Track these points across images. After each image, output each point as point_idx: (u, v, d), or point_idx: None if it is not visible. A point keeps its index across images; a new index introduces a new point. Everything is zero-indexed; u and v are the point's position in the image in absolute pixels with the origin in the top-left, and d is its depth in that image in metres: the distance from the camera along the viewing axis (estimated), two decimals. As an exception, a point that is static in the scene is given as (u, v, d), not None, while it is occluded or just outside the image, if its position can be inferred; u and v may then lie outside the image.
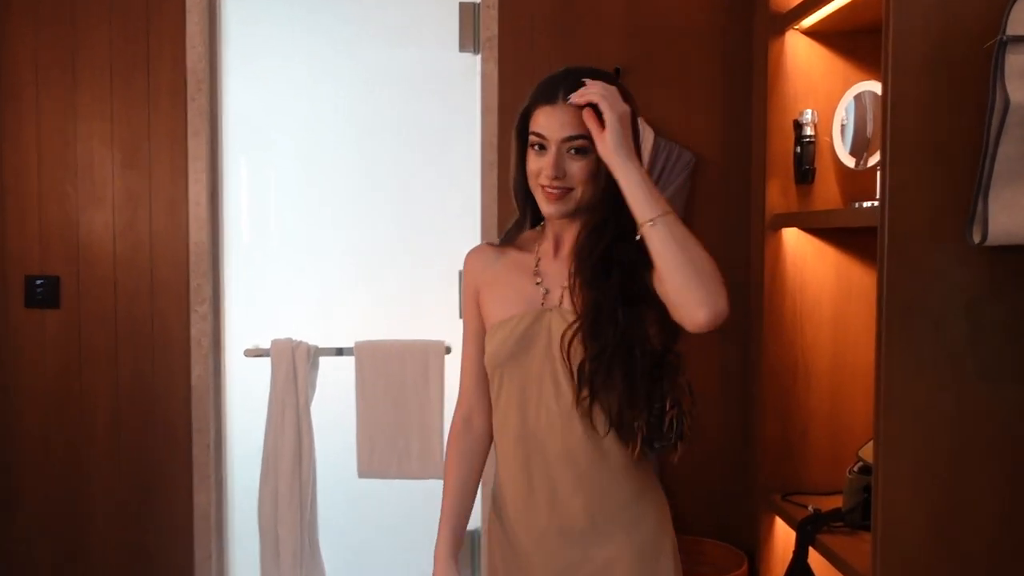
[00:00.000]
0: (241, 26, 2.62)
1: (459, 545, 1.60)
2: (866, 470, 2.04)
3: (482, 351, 1.54)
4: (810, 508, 2.12)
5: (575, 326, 1.41)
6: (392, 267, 2.68)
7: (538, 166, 1.42)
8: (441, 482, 2.53)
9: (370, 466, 2.53)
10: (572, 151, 1.40)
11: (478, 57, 2.52)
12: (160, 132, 2.50)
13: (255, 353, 2.57)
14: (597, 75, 1.43)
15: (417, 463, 2.53)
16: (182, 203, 2.50)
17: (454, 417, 1.63)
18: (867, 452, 2.07)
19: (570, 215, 1.45)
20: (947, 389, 1.61)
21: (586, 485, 1.44)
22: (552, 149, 1.41)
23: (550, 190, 1.41)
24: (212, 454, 2.51)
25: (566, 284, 1.45)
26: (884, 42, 1.60)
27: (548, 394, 1.45)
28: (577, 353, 1.41)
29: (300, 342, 2.54)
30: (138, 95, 2.49)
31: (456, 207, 2.64)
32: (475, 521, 2.64)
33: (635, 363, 1.38)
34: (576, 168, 1.40)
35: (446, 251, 2.63)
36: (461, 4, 2.54)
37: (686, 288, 1.29)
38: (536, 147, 1.42)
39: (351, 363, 2.55)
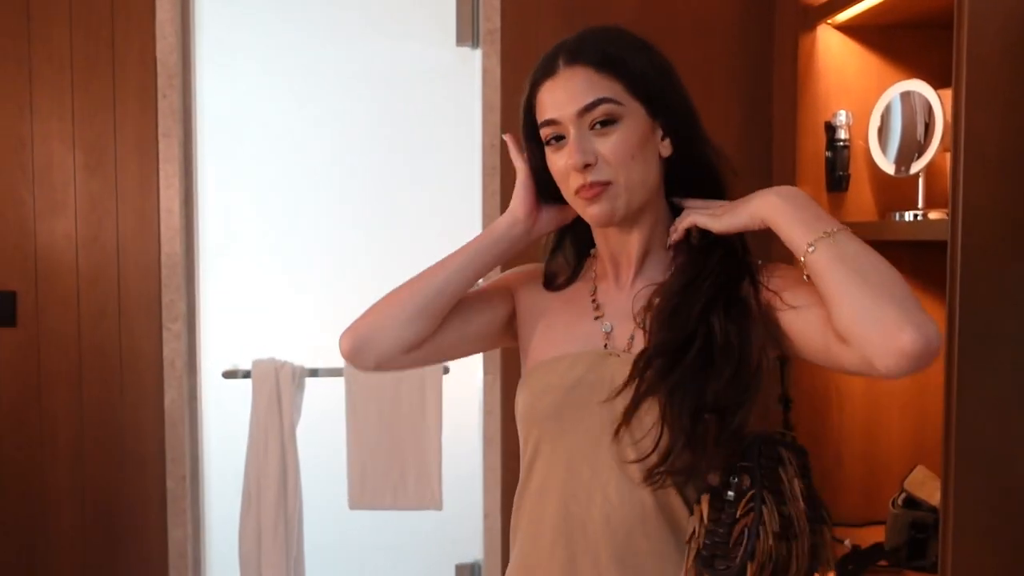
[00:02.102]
0: (216, 14, 2.39)
1: None
2: (911, 503, 1.89)
3: (477, 300, 1.21)
4: (847, 543, 1.96)
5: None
6: (385, 280, 2.45)
7: (563, 164, 1.08)
8: (439, 513, 2.36)
9: (362, 497, 2.32)
10: (596, 125, 1.07)
11: (478, 52, 2.32)
12: (127, 132, 2.26)
13: (235, 374, 2.35)
14: (611, 44, 1.10)
15: (414, 494, 2.33)
16: (152, 211, 2.27)
17: None
18: (913, 484, 1.91)
19: (625, 219, 1.10)
20: (1026, 425, 1.45)
21: None
22: (571, 131, 1.07)
23: (585, 189, 1.07)
24: (188, 486, 2.28)
25: (636, 321, 1.10)
26: (956, 34, 1.43)
27: (605, 473, 1.07)
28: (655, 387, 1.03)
29: (284, 362, 2.32)
30: (102, 91, 2.25)
31: (454, 215, 2.44)
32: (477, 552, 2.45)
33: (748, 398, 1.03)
34: (607, 148, 1.06)
35: (442, 262, 2.43)
36: (458, -6, 2.34)
37: (875, 308, 0.92)
38: (553, 141, 1.09)
39: (340, 385, 2.33)
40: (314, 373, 2.37)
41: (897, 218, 1.90)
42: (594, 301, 1.16)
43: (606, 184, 1.07)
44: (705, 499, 1.04)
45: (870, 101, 2.02)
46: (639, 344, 1.10)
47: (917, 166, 1.88)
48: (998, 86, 1.41)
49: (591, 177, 1.07)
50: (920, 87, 1.87)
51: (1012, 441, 1.45)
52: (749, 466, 1.03)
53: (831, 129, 2.04)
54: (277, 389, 2.31)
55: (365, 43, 2.48)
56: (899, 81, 1.99)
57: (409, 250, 2.46)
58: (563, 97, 1.07)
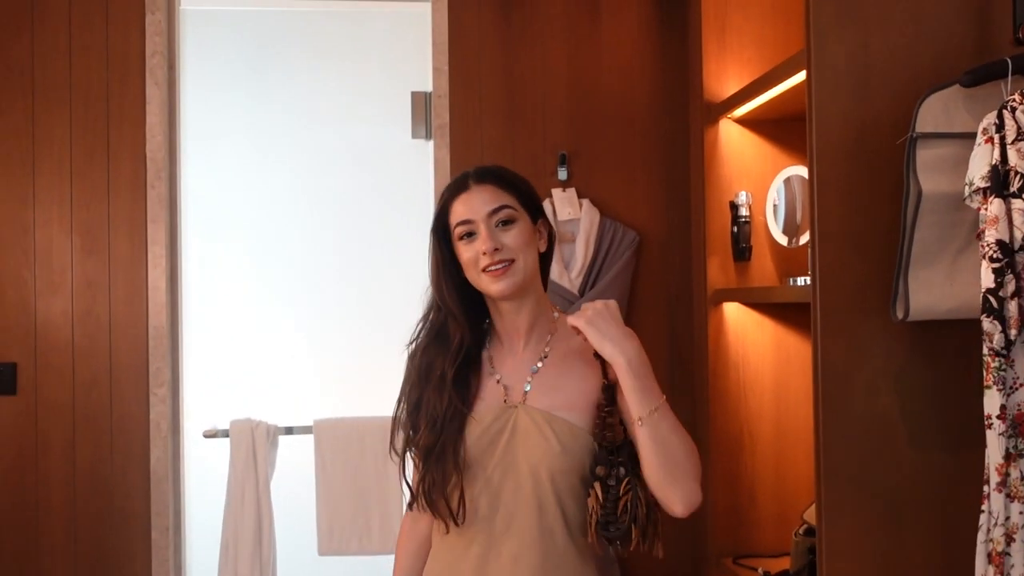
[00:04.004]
0: (200, 110, 2.70)
1: None
2: (811, 532, 2.14)
3: None
4: (760, 571, 2.21)
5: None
6: (350, 345, 2.74)
7: (473, 252, 1.45)
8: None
9: (331, 544, 2.55)
10: (499, 224, 1.46)
11: (430, 143, 2.64)
12: (120, 219, 2.55)
13: (214, 434, 2.59)
14: (505, 173, 1.50)
15: (378, 539, 2.56)
16: (141, 289, 2.54)
17: (405, 514, 1.66)
18: (811, 515, 2.17)
19: (520, 289, 1.47)
20: (881, 457, 1.71)
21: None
22: (481, 228, 1.45)
23: (493, 268, 1.44)
24: (171, 537, 2.50)
25: (527, 382, 1.48)
26: (808, 133, 1.75)
27: (508, 492, 1.46)
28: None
29: (260, 422, 2.57)
30: (98, 183, 2.55)
31: (410, 286, 2.72)
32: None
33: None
34: (509, 238, 1.45)
35: (402, 328, 2.68)
36: (413, 93, 2.66)
37: (665, 485, 1.40)
38: (465, 237, 1.46)
39: (311, 442, 2.58)
40: (288, 431, 2.61)
41: (791, 283, 2.21)
42: (492, 366, 1.53)
43: (511, 262, 1.46)
44: (598, 485, 1.44)
45: (766, 182, 2.35)
46: (531, 398, 1.49)
47: (804, 239, 2.20)
48: (840, 173, 1.72)
49: (498, 257, 1.45)
50: (800, 171, 2.20)
51: (868, 466, 1.72)
52: (623, 460, 1.44)
53: (735, 207, 2.36)
54: (253, 446, 2.55)
55: (333, 134, 2.79)
56: (790, 165, 2.33)
57: (372, 324, 2.74)
58: (476, 204, 1.47)
